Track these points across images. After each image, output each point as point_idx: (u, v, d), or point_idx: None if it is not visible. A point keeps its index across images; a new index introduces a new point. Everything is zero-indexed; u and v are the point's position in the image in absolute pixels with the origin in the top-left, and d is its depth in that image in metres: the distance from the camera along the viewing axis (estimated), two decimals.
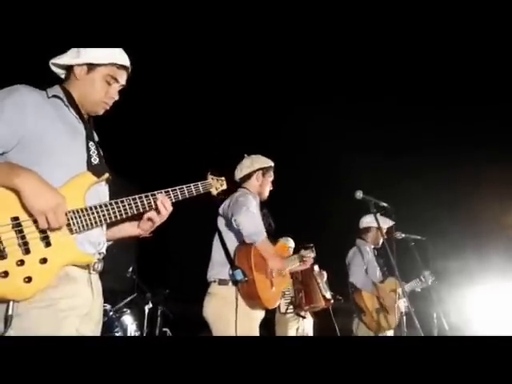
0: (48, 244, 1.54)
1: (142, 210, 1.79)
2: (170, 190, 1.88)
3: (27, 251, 1.49)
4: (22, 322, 1.46)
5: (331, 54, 4.94)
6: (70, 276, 1.61)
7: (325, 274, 4.70)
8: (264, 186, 3.32)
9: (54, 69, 1.83)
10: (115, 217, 1.70)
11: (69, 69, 1.79)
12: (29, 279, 1.47)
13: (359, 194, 3.21)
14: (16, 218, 1.50)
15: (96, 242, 1.72)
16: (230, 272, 2.90)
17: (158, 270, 6.98)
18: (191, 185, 2.00)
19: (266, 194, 3.35)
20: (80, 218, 1.62)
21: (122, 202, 1.73)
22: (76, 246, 1.61)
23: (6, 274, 1.43)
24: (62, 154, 1.65)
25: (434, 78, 5.43)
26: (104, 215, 1.68)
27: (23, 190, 1.46)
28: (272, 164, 3.39)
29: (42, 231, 1.53)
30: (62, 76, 1.84)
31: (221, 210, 3.18)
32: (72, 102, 1.76)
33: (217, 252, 3.09)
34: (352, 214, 4.63)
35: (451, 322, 4.14)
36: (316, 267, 4.48)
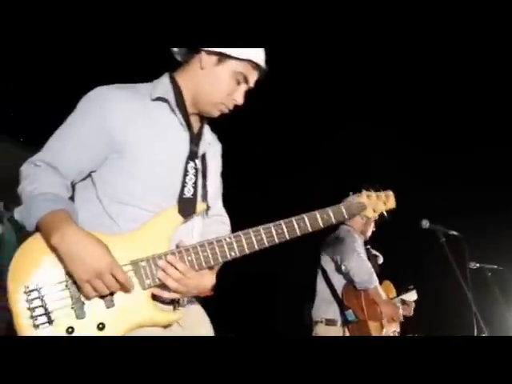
0: (110, 305, 1.11)
1: (248, 251, 1.27)
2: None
3: (81, 315, 1.10)
4: None
5: None
6: None
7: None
8: (368, 225, 3.19)
9: (174, 49, 1.44)
10: (207, 262, 1.21)
11: (193, 54, 1.37)
12: None
13: (425, 223, 2.77)
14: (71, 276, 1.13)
15: None
16: (339, 311, 2.82)
17: None
18: (316, 212, 1.38)
19: (369, 233, 3.23)
20: (157, 267, 1.16)
21: (218, 242, 1.22)
22: (151, 305, 1.16)
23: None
24: (154, 178, 1.29)
25: None
26: (191, 260, 1.19)
27: (60, 253, 1.12)
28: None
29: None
30: (179, 58, 1.44)
31: (325, 249, 3.06)
32: (181, 105, 1.37)
33: (323, 291, 2.98)
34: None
35: None
36: None
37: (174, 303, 1.23)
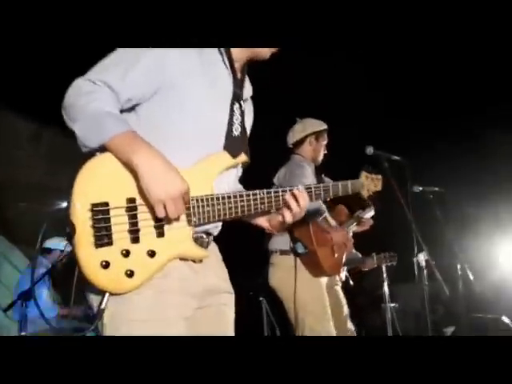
0: (160, 234, 1.24)
1: (275, 208, 1.44)
2: (312, 185, 1.50)
3: (135, 240, 1.21)
4: (117, 305, 1.22)
5: None
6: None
7: None
8: (318, 150, 3.19)
9: None
10: (242, 211, 1.35)
11: None
12: (131, 273, 1.21)
13: (370, 150, 2.79)
14: (132, 200, 1.21)
15: (213, 230, 1.43)
16: (291, 245, 2.87)
17: None
18: (339, 183, 1.60)
19: (320, 158, 3.24)
20: (204, 208, 1.29)
21: (255, 194, 1.37)
22: (191, 240, 1.31)
23: (107, 264, 1.18)
24: (200, 117, 1.32)
25: None
26: (231, 208, 1.33)
27: (141, 171, 1.16)
28: (325, 127, 3.22)
29: (157, 219, 1.22)
30: None
31: (276, 181, 3.08)
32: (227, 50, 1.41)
33: None
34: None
35: (476, 270, 3.83)
36: None
37: (205, 242, 1.36)
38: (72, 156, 1.20)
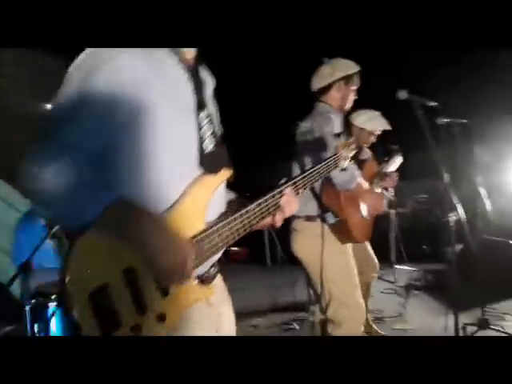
0: (165, 293, 1.13)
1: (269, 215, 1.31)
2: (297, 178, 1.36)
3: (142, 310, 1.09)
4: None
5: None
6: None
7: None
8: (347, 97, 2.73)
9: None
10: (240, 233, 1.24)
11: None
12: None
13: (403, 94, 2.47)
14: (130, 270, 1.08)
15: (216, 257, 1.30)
16: (320, 212, 2.61)
17: None
18: (320, 166, 1.47)
19: (349, 105, 2.81)
20: (202, 248, 1.17)
21: (247, 212, 1.24)
22: (198, 286, 1.21)
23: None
24: (165, 135, 1.12)
25: None
26: (228, 236, 1.21)
27: (139, 243, 1.06)
28: (358, 69, 2.73)
29: (157, 280, 1.11)
30: None
31: (299, 137, 2.70)
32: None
33: None
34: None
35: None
36: None
37: (207, 279, 1.24)
38: None
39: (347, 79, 2.69)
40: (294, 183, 1.35)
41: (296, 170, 2.70)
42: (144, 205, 1.09)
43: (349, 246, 2.72)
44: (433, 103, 2.59)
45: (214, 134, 1.25)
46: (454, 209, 2.49)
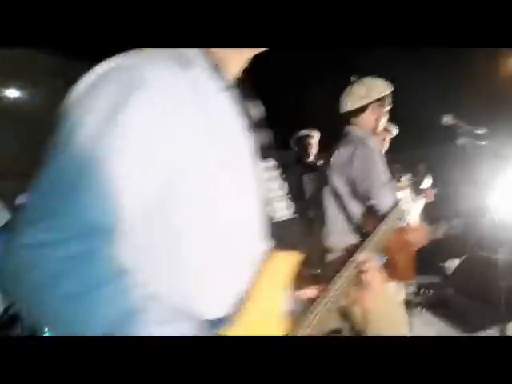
0: None
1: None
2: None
3: None
4: None
5: None
6: None
7: None
8: (380, 119, 2.53)
9: None
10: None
11: None
12: None
13: (447, 120, 2.32)
14: None
15: None
16: None
17: None
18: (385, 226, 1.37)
19: (381, 128, 2.62)
20: None
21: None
22: None
23: None
24: (221, 208, 0.78)
25: None
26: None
27: None
28: (392, 89, 2.56)
29: None
30: None
31: (337, 167, 2.44)
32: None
33: (336, 218, 2.44)
34: None
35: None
36: None
37: None
38: None
39: (382, 100, 2.52)
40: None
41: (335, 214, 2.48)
42: None
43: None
44: (480, 131, 2.40)
45: (282, 188, 0.90)
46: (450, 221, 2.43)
